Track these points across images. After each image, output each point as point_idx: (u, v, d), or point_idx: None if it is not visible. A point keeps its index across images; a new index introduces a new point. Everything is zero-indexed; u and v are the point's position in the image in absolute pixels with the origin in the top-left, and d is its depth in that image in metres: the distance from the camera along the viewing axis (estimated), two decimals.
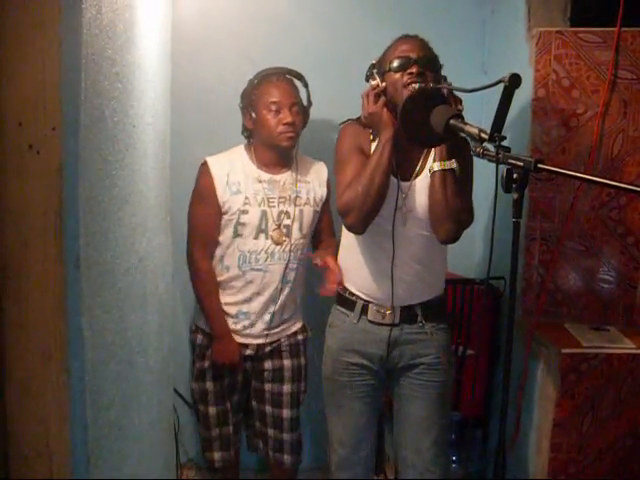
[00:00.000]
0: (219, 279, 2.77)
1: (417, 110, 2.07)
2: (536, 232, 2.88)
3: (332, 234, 2.94)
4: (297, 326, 2.91)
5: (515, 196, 1.63)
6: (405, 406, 2.48)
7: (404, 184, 2.34)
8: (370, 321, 2.43)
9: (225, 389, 2.83)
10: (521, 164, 1.60)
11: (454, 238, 2.30)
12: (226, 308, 2.77)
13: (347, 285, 2.49)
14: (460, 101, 2.24)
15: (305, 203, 2.79)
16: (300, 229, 2.77)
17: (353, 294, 2.47)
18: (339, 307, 2.52)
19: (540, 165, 1.58)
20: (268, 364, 2.84)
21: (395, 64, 2.28)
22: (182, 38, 3.16)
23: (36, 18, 1.28)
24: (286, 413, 2.85)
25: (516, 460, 2.89)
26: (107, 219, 1.63)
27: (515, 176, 1.62)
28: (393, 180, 2.30)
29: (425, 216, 2.32)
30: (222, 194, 2.68)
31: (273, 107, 2.63)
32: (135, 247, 1.99)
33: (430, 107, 2.05)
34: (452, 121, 1.97)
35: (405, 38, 2.37)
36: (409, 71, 2.25)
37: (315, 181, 2.84)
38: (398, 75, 2.27)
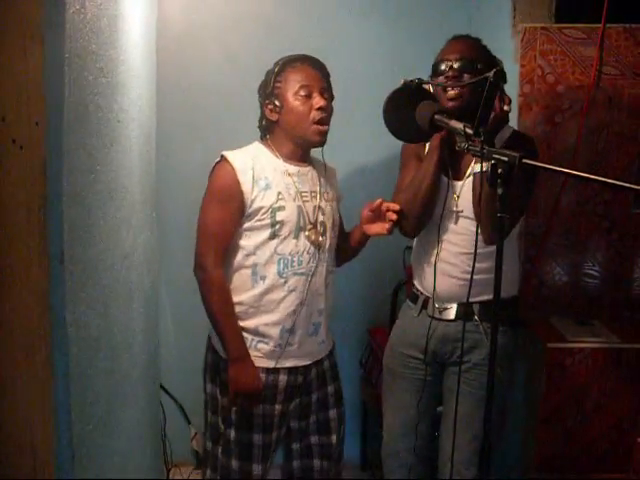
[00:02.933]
0: (251, 294, 2.33)
1: (401, 106, 2.08)
2: (521, 227, 2.89)
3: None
4: (332, 344, 2.58)
5: (500, 191, 1.64)
6: (450, 401, 2.48)
7: (457, 183, 2.36)
8: (429, 316, 2.46)
9: (274, 441, 2.41)
10: (506, 159, 1.61)
11: (493, 240, 2.23)
12: (264, 329, 2.33)
13: (414, 280, 2.56)
14: (509, 100, 2.19)
15: (332, 199, 2.49)
16: (333, 226, 2.45)
17: (418, 289, 2.53)
18: (407, 300, 2.60)
19: (525, 160, 1.59)
20: (314, 396, 2.49)
21: (435, 68, 2.26)
22: (167, 34, 3.15)
23: (18, 13, 1.27)
24: (334, 438, 2.54)
25: (502, 455, 2.90)
26: (91, 215, 1.63)
27: (500, 171, 1.62)
28: (444, 180, 2.35)
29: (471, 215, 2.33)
30: (249, 190, 2.27)
31: (303, 92, 2.30)
32: (120, 243, 1.98)
33: (415, 103, 2.06)
34: (437, 116, 1.98)
35: (452, 39, 2.30)
36: (446, 75, 2.22)
37: (332, 179, 2.56)
38: (440, 79, 2.24)
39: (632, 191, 1.47)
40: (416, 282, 2.55)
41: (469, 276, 2.16)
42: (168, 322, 3.31)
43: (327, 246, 2.40)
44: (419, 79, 2.19)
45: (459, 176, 2.38)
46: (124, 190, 2.05)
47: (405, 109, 2.08)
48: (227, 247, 2.34)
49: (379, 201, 2.38)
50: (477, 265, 2.13)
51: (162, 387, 3.12)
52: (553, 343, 2.65)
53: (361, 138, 3.14)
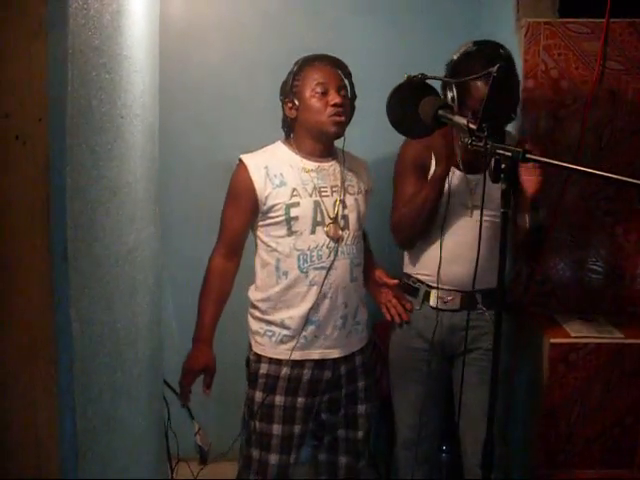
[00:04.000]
0: (277, 289, 2.41)
1: (405, 101, 2.07)
2: None
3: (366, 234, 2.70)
4: (367, 339, 2.61)
5: (503, 187, 1.64)
6: (467, 391, 2.49)
7: (472, 177, 2.37)
8: (432, 307, 2.49)
9: (296, 434, 2.46)
10: (509, 154, 1.60)
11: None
12: (289, 323, 2.41)
13: (412, 272, 2.57)
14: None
15: (358, 192, 2.52)
16: (358, 220, 2.48)
17: (417, 281, 2.55)
18: (405, 295, 2.61)
19: (528, 155, 1.59)
20: (344, 391, 2.54)
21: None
22: (170, 29, 3.16)
23: (21, 9, 1.27)
24: (360, 435, 2.58)
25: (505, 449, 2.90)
26: (95, 210, 1.63)
27: (503, 166, 1.62)
28: (460, 174, 2.41)
29: (492, 208, 2.31)
30: (262, 188, 2.37)
31: (319, 89, 2.36)
32: (123, 239, 1.98)
33: (418, 98, 2.05)
34: (441, 111, 1.97)
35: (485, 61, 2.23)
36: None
37: (362, 172, 2.59)
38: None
39: (636, 186, 1.46)
40: (415, 272, 2.54)
41: (472, 265, 2.16)
42: (172, 318, 3.31)
43: (350, 239, 2.44)
44: (422, 74, 2.18)
45: (472, 169, 2.38)
46: (127, 186, 2.05)
47: (408, 104, 2.08)
48: (236, 241, 2.48)
49: (395, 282, 2.53)
50: (485, 256, 2.15)
51: (166, 383, 3.12)
52: (556, 338, 2.64)
53: (367, 135, 3.13)
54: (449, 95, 2.25)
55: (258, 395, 2.45)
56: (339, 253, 2.40)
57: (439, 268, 2.47)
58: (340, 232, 2.41)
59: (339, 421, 2.55)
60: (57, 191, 1.34)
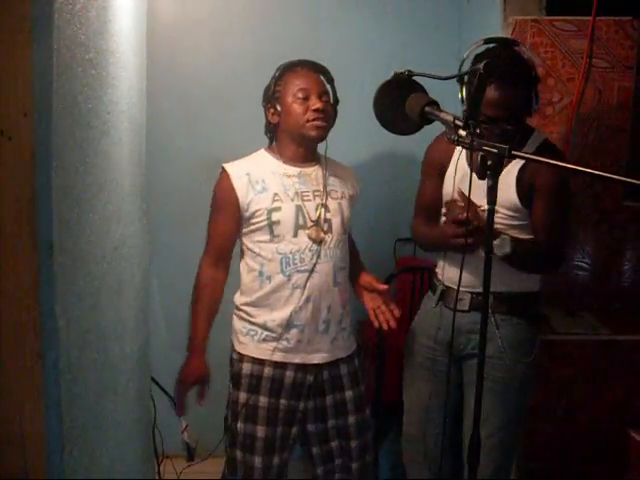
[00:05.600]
0: (260, 293, 2.42)
1: (391, 97, 2.08)
2: None
3: (352, 237, 2.70)
4: (353, 347, 2.59)
5: (489, 183, 1.65)
6: (466, 395, 2.52)
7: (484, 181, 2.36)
8: (446, 306, 2.50)
9: (278, 436, 2.45)
10: (495, 151, 1.61)
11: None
12: (272, 325, 2.41)
13: (436, 270, 2.60)
14: None
15: (342, 197, 2.51)
16: (342, 224, 2.47)
17: (438, 279, 2.57)
18: (429, 290, 2.65)
19: (514, 152, 1.60)
20: (329, 400, 2.50)
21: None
22: (157, 25, 3.15)
23: (6, 4, 1.27)
24: (354, 443, 2.54)
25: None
26: (81, 206, 1.62)
27: (489, 163, 1.63)
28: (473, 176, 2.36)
29: (503, 210, 2.33)
30: (244, 195, 2.38)
31: (300, 94, 2.37)
32: (110, 235, 1.98)
33: (405, 94, 2.06)
34: (427, 108, 1.97)
35: (496, 81, 2.24)
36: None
37: (346, 177, 2.58)
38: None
39: (622, 183, 1.47)
40: (438, 272, 2.56)
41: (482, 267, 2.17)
42: (158, 314, 3.31)
43: (333, 243, 2.44)
44: (409, 71, 2.18)
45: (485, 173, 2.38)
46: (114, 182, 2.04)
47: (395, 101, 2.08)
48: (223, 249, 2.49)
49: (385, 288, 2.49)
50: (494, 259, 2.06)
51: (153, 379, 3.12)
52: (543, 335, 2.66)
53: (356, 136, 3.13)
54: (459, 94, 2.24)
55: (242, 396, 2.45)
56: (321, 256, 2.40)
57: (443, 268, 2.52)
58: (322, 235, 2.41)
59: (330, 432, 2.53)
60: (43, 187, 1.33)
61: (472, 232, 2.21)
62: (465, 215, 2.17)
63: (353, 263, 2.61)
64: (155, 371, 3.14)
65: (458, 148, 2.46)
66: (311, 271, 2.38)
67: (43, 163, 1.33)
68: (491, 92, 2.21)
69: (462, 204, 2.30)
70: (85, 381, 1.65)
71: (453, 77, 2.20)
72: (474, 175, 2.40)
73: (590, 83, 2.82)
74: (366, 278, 2.56)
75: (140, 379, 2.62)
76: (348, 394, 2.52)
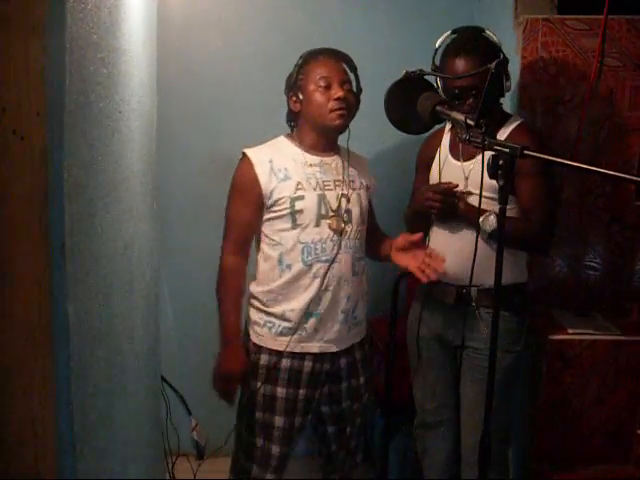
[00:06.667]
0: (279, 282, 2.41)
1: (403, 97, 2.08)
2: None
3: (377, 222, 2.73)
4: (364, 332, 2.62)
5: (501, 183, 1.65)
6: (462, 384, 2.58)
7: (466, 164, 2.38)
8: (433, 300, 2.55)
9: (296, 425, 2.47)
10: (507, 150, 1.61)
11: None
12: (290, 315, 2.40)
13: None
14: None
15: (360, 187, 2.51)
16: (361, 214, 2.48)
17: None
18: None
19: (526, 152, 1.59)
20: (344, 384, 2.53)
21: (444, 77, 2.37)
22: (168, 23, 3.15)
23: (19, 3, 1.27)
24: (351, 429, 2.59)
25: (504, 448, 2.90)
26: (93, 205, 1.62)
27: (501, 163, 1.62)
28: (456, 163, 2.45)
29: (486, 193, 2.31)
30: (267, 182, 2.36)
31: (322, 83, 2.35)
32: (121, 234, 1.98)
33: (416, 94, 2.06)
34: (438, 107, 1.97)
35: (456, 52, 2.35)
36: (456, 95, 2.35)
37: (363, 168, 2.58)
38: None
39: (634, 183, 1.47)
40: None
41: (471, 260, 2.13)
42: (169, 313, 3.31)
43: (352, 233, 2.44)
44: (420, 70, 2.20)
45: (468, 157, 2.40)
46: (125, 181, 2.05)
47: (407, 100, 2.08)
48: (245, 236, 2.46)
49: (420, 236, 2.42)
50: (478, 251, 2.08)
51: (163, 378, 3.13)
52: (554, 335, 2.65)
53: (364, 134, 3.13)
54: (436, 84, 2.32)
55: (260, 386, 2.44)
56: (342, 247, 2.40)
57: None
58: (343, 225, 2.40)
59: (341, 414, 2.55)
60: (55, 186, 1.33)
61: (445, 200, 2.35)
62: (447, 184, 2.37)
63: (381, 239, 2.65)
64: (165, 369, 3.15)
65: (444, 141, 2.50)
66: (332, 261, 2.38)
67: (55, 162, 1.33)
68: (459, 63, 2.29)
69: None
70: (96, 380, 1.66)
71: (464, 76, 2.20)
72: (453, 160, 2.45)
73: (602, 82, 2.80)
74: (399, 240, 2.50)
75: (150, 378, 2.63)
76: (362, 379, 2.56)
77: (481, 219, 2.27)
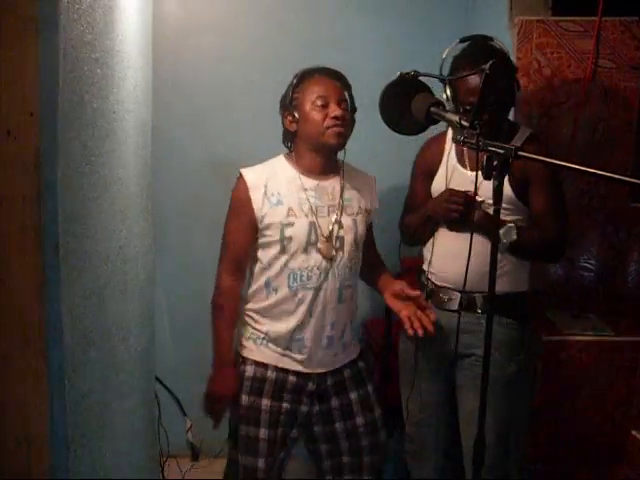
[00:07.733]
0: (266, 304, 2.39)
1: (397, 98, 2.08)
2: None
3: (376, 248, 2.67)
4: (356, 352, 2.56)
5: (495, 183, 1.65)
6: (459, 395, 2.51)
7: (473, 174, 2.36)
8: (435, 306, 2.46)
9: (279, 437, 2.43)
10: (501, 151, 1.61)
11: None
12: (275, 335, 2.38)
13: (425, 268, 2.58)
14: None
15: (357, 212, 2.45)
16: (354, 241, 2.41)
17: (427, 278, 2.55)
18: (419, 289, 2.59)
19: (520, 153, 1.59)
20: (335, 402, 2.48)
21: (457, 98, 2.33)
22: (163, 25, 3.15)
23: (13, 4, 1.27)
24: (364, 442, 2.51)
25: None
26: (87, 206, 1.62)
27: (495, 163, 1.62)
28: (465, 173, 2.40)
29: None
30: (259, 206, 2.33)
31: (319, 102, 2.29)
32: (115, 234, 1.98)
33: (411, 95, 2.06)
34: (433, 108, 1.97)
35: (469, 65, 2.27)
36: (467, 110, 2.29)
37: (365, 190, 2.51)
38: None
39: (628, 184, 1.47)
40: (426, 271, 2.55)
41: (478, 268, 2.14)
42: (163, 314, 3.31)
43: (343, 261, 2.38)
44: (415, 71, 2.19)
45: (477, 166, 2.38)
46: (119, 181, 2.04)
47: (401, 101, 2.08)
48: (240, 258, 2.42)
49: (418, 294, 2.36)
50: (484, 258, 1.99)
51: (157, 379, 3.12)
52: (548, 336, 2.66)
53: (360, 137, 3.13)
54: (444, 94, 2.25)
55: (244, 399, 2.41)
56: (330, 274, 2.36)
57: (430, 266, 2.50)
58: (333, 252, 2.36)
59: (339, 434, 2.51)
60: (48, 186, 1.33)
61: (466, 207, 2.32)
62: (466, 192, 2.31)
63: (379, 271, 2.58)
64: (159, 371, 3.14)
65: (447, 149, 2.48)
66: (318, 289, 2.35)
67: (49, 162, 1.33)
68: (473, 79, 2.21)
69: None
70: (89, 381, 1.66)
71: (458, 77, 2.20)
72: (462, 169, 2.43)
73: (596, 84, 2.81)
74: (397, 286, 2.44)
75: (144, 378, 2.62)
76: (352, 396, 2.50)
77: (502, 231, 2.25)
